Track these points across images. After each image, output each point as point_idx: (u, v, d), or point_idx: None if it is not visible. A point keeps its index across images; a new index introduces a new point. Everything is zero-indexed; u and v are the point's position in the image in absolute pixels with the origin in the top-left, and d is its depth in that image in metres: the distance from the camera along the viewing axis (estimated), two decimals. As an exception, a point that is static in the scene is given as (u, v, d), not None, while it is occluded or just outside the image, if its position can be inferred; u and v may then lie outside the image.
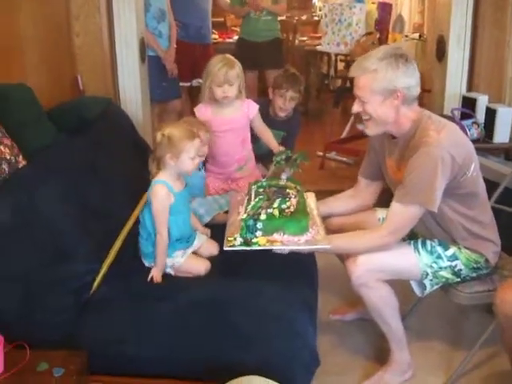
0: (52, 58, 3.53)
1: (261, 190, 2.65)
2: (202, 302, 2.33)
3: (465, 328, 3.08)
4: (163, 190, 2.52)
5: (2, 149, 2.35)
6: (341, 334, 3.05)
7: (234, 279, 2.40)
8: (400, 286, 2.64)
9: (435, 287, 2.58)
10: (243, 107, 3.31)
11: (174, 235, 2.60)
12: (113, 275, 2.50)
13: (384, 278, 2.52)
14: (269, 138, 3.43)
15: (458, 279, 2.55)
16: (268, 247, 2.33)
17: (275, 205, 2.44)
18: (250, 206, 2.48)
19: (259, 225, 2.33)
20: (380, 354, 2.84)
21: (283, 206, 2.43)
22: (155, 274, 2.51)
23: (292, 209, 2.42)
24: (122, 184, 2.94)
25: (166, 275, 2.59)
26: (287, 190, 2.61)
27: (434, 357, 2.87)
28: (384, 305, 2.55)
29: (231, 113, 3.26)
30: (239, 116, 3.29)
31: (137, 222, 2.81)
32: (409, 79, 2.36)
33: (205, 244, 2.77)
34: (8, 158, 2.37)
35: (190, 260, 2.64)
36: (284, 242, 2.34)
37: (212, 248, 2.75)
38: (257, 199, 2.53)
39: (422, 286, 2.58)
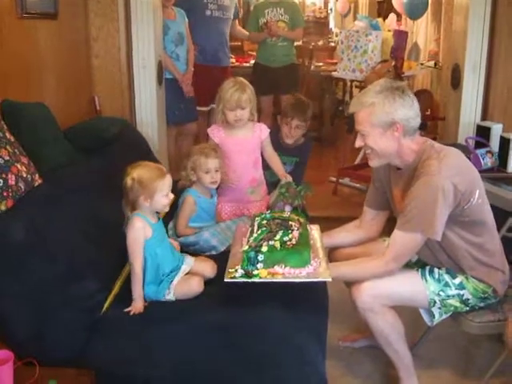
0: (70, 78, 3.59)
1: (264, 222, 2.66)
2: (213, 325, 2.32)
3: (475, 357, 3.05)
4: (139, 222, 2.49)
5: (19, 167, 2.38)
6: (350, 360, 3.04)
7: (245, 304, 2.39)
8: (409, 314, 2.64)
9: (444, 316, 2.57)
10: (255, 129, 3.34)
11: (166, 268, 2.57)
12: (124, 295, 2.50)
13: (389, 304, 2.52)
14: (277, 164, 3.44)
15: (467, 308, 2.54)
16: (269, 280, 2.33)
17: (277, 237, 2.46)
18: (252, 238, 2.49)
19: (260, 257, 2.34)
20: (389, 382, 2.82)
21: (285, 239, 2.45)
22: (135, 307, 2.43)
23: (294, 241, 2.44)
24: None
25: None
26: (290, 223, 2.63)
27: (443, 386, 2.85)
28: (390, 330, 2.55)
29: (243, 134, 3.30)
30: (251, 137, 3.33)
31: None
32: (407, 111, 2.39)
33: (198, 264, 2.71)
34: (24, 176, 2.39)
35: (180, 285, 2.56)
36: (285, 275, 2.34)
37: (206, 269, 2.69)
38: (259, 231, 2.55)
39: (431, 315, 2.57)
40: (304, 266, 2.36)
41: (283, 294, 2.39)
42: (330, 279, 2.34)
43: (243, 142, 3.30)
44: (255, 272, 2.34)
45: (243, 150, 3.30)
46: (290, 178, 3.25)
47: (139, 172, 2.48)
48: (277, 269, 2.34)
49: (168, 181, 2.54)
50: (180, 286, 2.55)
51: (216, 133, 3.31)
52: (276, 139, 3.75)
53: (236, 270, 2.37)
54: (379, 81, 2.54)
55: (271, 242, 2.41)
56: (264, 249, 2.36)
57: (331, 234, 2.91)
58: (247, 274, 2.34)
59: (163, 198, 2.51)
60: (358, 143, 2.52)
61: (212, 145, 3.22)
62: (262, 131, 3.36)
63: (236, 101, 3.15)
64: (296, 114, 3.84)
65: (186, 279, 2.58)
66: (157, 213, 2.62)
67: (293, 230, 2.54)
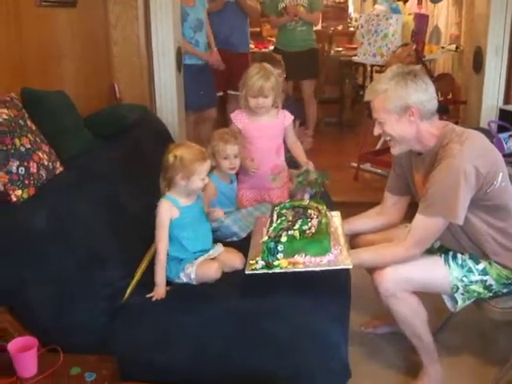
0: (90, 66, 3.60)
1: (283, 211, 2.67)
2: (234, 312, 2.33)
3: (498, 343, 3.02)
4: (166, 204, 2.54)
5: (41, 155, 2.39)
6: (372, 346, 3.03)
7: (266, 291, 2.39)
8: (432, 300, 2.62)
9: (467, 302, 2.55)
10: (279, 116, 3.32)
11: (188, 248, 2.60)
12: (146, 283, 2.52)
13: (412, 290, 2.51)
14: (299, 151, 3.42)
15: (490, 294, 2.52)
16: (290, 269, 2.33)
17: (296, 226, 2.46)
18: (271, 228, 2.50)
19: (280, 247, 2.35)
20: (412, 368, 2.80)
21: (304, 228, 2.45)
22: (157, 292, 2.46)
23: (313, 230, 2.44)
24: (157, 191, 2.96)
25: (193, 286, 2.58)
26: (309, 211, 2.63)
27: (466, 372, 2.83)
28: (413, 316, 2.53)
29: (267, 120, 3.27)
30: (274, 124, 3.30)
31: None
32: (420, 94, 2.37)
33: (227, 255, 2.72)
34: (46, 164, 2.41)
35: (202, 265, 2.59)
36: (306, 264, 2.35)
37: (236, 261, 2.68)
38: (279, 221, 2.55)
39: (454, 301, 2.55)
40: (324, 254, 2.36)
41: (305, 281, 2.39)
42: (350, 266, 2.34)
43: (266, 128, 3.28)
44: (276, 262, 2.35)
45: (266, 136, 3.28)
46: (311, 165, 3.24)
47: (182, 151, 2.53)
48: (297, 258, 2.35)
49: (207, 165, 2.58)
50: (198, 268, 2.57)
51: (239, 118, 3.29)
52: None
53: (257, 262, 2.38)
54: (392, 67, 2.53)
55: (290, 232, 2.41)
56: (283, 239, 2.37)
57: (352, 220, 2.90)
58: (268, 265, 2.35)
59: (199, 180, 2.55)
60: (377, 131, 2.51)
61: (232, 131, 3.20)
62: (286, 118, 3.34)
63: (259, 88, 3.13)
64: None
65: (205, 263, 2.60)
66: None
67: (312, 219, 2.54)
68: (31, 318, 2.17)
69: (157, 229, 2.54)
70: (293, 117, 3.37)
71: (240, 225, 3.01)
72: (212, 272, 2.57)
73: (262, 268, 2.36)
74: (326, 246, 2.37)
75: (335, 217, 2.81)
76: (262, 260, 2.37)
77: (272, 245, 2.35)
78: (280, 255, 2.35)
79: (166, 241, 2.53)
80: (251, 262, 2.41)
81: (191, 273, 2.55)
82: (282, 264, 2.34)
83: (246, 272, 2.38)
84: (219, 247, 2.72)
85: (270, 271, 2.34)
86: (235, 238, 2.98)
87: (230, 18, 5.45)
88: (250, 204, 3.31)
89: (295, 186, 3.12)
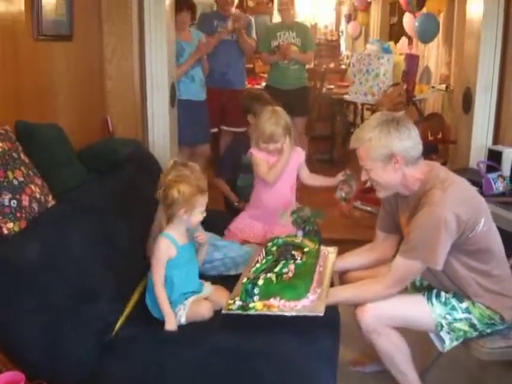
0: (84, 99, 3.62)
1: (273, 248, 2.71)
2: (225, 349, 2.32)
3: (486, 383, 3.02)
4: (164, 243, 2.55)
5: (33, 188, 2.40)
6: (360, 385, 3.02)
7: (256, 328, 2.39)
8: (421, 339, 2.62)
9: (455, 343, 2.55)
10: (293, 153, 3.38)
11: (179, 288, 2.58)
12: (136, 316, 2.51)
13: (394, 326, 2.53)
14: (320, 179, 3.55)
15: (476, 333, 2.53)
16: (264, 312, 2.36)
17: (276, 269, 2.51)
18: (253, 269, 2.56)
19: (256, 290, 2.39)
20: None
21: (284, 271, 2.49)
22: (168, 326, 2.46)
23: (290, 274, 2.47)
24: (148, 226, 2.96)
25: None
26: (293, 252, 2.67)
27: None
28: (395, 351, 2.56)
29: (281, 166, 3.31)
30: (289, 161, 3.36)
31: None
32: (404, 142, 2.42)
33: (216, 294, 2.69)
34: (38, 197, 2.42)
35: (192, 306, 2.57)
36: (280, 308, 2.37)
37: (224, 299, 2.61)
38: (264, 261, 2.61)
39: (441, 340, 2.56)
40: (299, 299, 2.38)
41: (294, 318, 2.39)
42: (321, 314, 2.34)
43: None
44: (251, 305, 2.38)
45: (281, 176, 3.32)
46: (339, 178, 3.30)
47: (183, 186, 2.53)
48: (272, 301, 2.39)
49: (206, 198, 2.60)
50: (191, 307, 2.56)
51: (257, 153, 3.34)
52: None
53: (234, 302, 2.43)
54: (375, 114, 2.61)
55: (268, 275, 2.46)
56: (260, 282, 2.42)
57: (344, 257, 2.93)
58: (243, 307, 2.38)
59: (200, 214, 2.57)
60: (364, 177, 2.57)
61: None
62: (300, 154, 3.42)
63: (269, 135, 3.21)
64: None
65: (197, 302, 2.58)
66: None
67: (296, 260, 2.59)
68: (18, 352, 2.15)
69: (154, 263, 2.53)
70: (305, 152, 3.44)
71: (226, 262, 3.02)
72: (205, 311, 2.55)
73: (238, 309, 2.39)
74: (301, 291, 2.40)
75: (331, 253, 2.86)
76: (240, 301, 2.41)
77: (249, 287, 2.40)
78: (256, 298, 2.38)
79: (162, 274, 2.53)
80: (229, 301, 2.45)
81: (182, 316, 2.53)
82: (257, 306, 2.37)
83: (223, 312, 2.42)
84: (209, 287, 2.72)
85: (245, 313, 2.38)
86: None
87: (226, 54, 5.51)
88: (253, 235, 3.32)
89: (291, 223, 3.14)
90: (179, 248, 2.58)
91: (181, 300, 2.57)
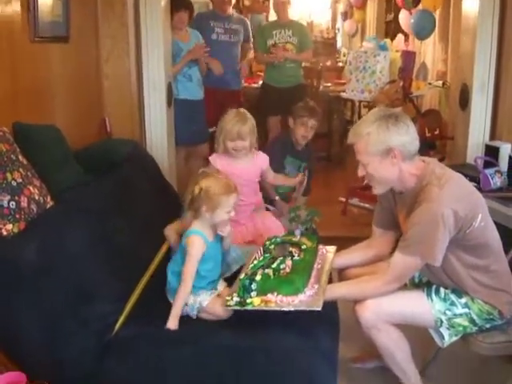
0: (81, 100, 3.62)
1: (271, 246, 2.73)
2: (225, 346, 2.33)
3: (486, 378, 3.03)
4: (200, 242, 2.56)
5: (32, 189, 2.40)
6: (361, 382, 3.02)
7: (256, 325, 2.40)
8: (421, 335, 2.63)
9: (454, 338, 2.56)
10: (255, 160, 3.39)
11: (201, 279, 2.61)
12: (136, 316, 2.51)
13: (393, 322, 2.54)
14: (283, 179, 3.69)
15: (476, 328, 2.54)
16: (262, 308, 2.37)
17: (274, 265, 2.52)
18: (251, 265, 2.57)
19: (254, 285, 2.41)
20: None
21: (281, 266, 2.50)
22: (171, 323, 2.47)
23: (287, 269, 2.49)
24: (146, 225, 2.97)
25: (188, 319, 2.57)
26: (290, 249, 2.68)
27: (455, 407, 2.83)
28: (395, 348, 2.57)
29: (243, 166, 3.32)
30: (251, 166, 3.38)
31: (160, 264, 2.84)
32: (401, 137, 2.43)
33: (224, 291, 2.71)
34: (37, 198, 2.42)
35: (214, 301, 2.60)
36: (278, 303, 2.38)
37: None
38: (261, 258, 2.63)
39: (441, 336, 2.57)
40: (296, 294, 2.39)
41: (293, 315, 2.39)
42: (319, 309, 2.35)
43: (243, 172, 3.31)
44: (248, 300, 2.39)
45: (243, 179, 3.28)
46: (298, 179, 3.58)
47: (208, 183, 2.56)
48: (270, 297, 2.40)
49: (233, 199, 2.60)
50: (213, 305, 2.58)
51: (218, 162, 3.33)
52: (289, 144, 4.15)
53: (232, 298, 2.44)
54: (373, 110, 2.62)
55: (266, 270, 2.49)
56: (258, 277, 2.44)
57: (342, 254, 2.93)
58: (241, 302, 2.40)
59: (224, 214, 2.58)
60: (360, 172, 2.58)
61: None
62: (263, 161, 3.43)
63: (237, 132, 3.21)
64: (312, 115, 4.11)
65: (216, 302, 2.59)
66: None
67: (293, 257, 2.60)
68: (19, 353, 2.16)
69: (189, 263, 2.53)
70: (268, 157, 3.46)
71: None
72: (222, 313, 2.56)
73: (236, 305, 2.41)
74: (298, 286, 2.41)
75: (329, 252, 2.87)
76: (238, 297, 2.42)
77: (247, 282, 2.41)
78: (253, 293, 2.40)
79: (194, 272, 2.54)
80: (227, 297, 2.47)
81: (203, 301, 2.56)
82: (255, 302, 2.38)
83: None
84: (223, 282, 2.75)
85: (243, 308, 2.39)
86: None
87: (224, 55, 5.46)
88: (241, 236, 3.32)
89: (288, 221, 3.15)
90: (209, 244, 2.60)
91: (207, 288, 2.61)
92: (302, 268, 2.51)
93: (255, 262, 2.61)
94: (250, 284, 2.40)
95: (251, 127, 3.26)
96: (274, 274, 2.46)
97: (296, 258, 2.60)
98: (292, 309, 2.36)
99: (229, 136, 3.23)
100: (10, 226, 2.22)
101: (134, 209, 2.98)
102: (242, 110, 3.37)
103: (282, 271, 2.48)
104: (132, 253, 2.69)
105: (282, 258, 2.58)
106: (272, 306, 2.37)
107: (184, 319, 2.53)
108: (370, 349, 2.92)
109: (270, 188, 3.86)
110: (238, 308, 2.40)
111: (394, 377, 2.67)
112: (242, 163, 3.31)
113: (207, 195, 2.53)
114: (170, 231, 2.96)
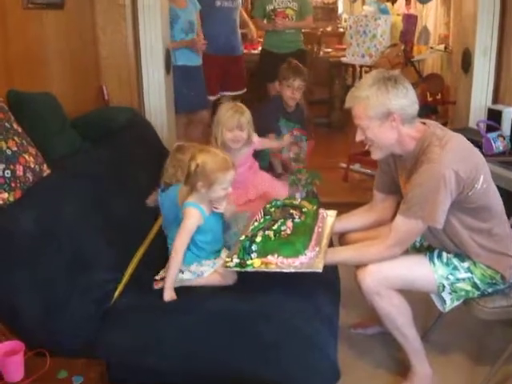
0: (77, 67, 3.58)
1: (272, 209, 2.70)
2: (224, 312, 2.32)
3: (488, 343, 3.03)
4: (196, 214, 2.53)
5: (27, 157, 2.38)
6: (362, 347, 3.03)
7: (255, 291, 2.39)
8: (422, 300, 2.62)
9: (456, 303, 2.55)
10: (250, 150, 3.41)
11: (201, 250, 2.60)
12: (134, 285, 2.51)
13: (395, 288, 2.52)
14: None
15: (478, 292, 2.52)
16: (262, 269, 2.36)
17: (275, 227, 2.50)
18: (251, 227, 2.55)
19: (254, 247, 2.38)
20: (402, 368, 2.80)
21: (282, 228, 2.48)
22: (166, 295, 2.45)
23: (288, 231, 2.46)
24: (145, 194, 2.95)
25: (187, 288, 2.55)
26: (291, 211, 2.65)
27: (456, 372, 2.83)
28: (397, 313, 2.55)
29: (239, 160, 3.23)
30: (247, 154, 3.40)
31: (159, 233, 2.82)
32: (401, 100, 2.38)
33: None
34: (32, 166, 2.39)
35: (215, 274, 2.59)
36: (278, 264, 2.36)
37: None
38: (262, 220, 2.60)
39: (442, 300, 2.55)
40: (297, 256, 2.37)
41: (294, 281, 2.40)
42: (320, 270, 2.34)
43: (240, 161, 3.26)
44: (249, 262, 2.38)
45: (241, 168, 3.26)
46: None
47: (204, 159, 2.50)
48: (270, 258, 2.38)
49: (230, 176, 2.54)
50: (213, 276, 2.57)
51: None
52: (281, 106, 4.12)
53: (231, 260, 2.42)
54: (371, 72, 2.56)
55: (266, 232, 2.46)
56: (258, 239, 2.42)
57: (342, 218, 2.91)
58: (241, 264, 2.38)
59: (220, 190, 2.53)
60: (359, 137, 2.52)
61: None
62: (255, 143, 3.43)
63: (237, 120, 3.19)
64: (297, 75, 4.07)
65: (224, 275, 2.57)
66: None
67: (294, 219, 2.56)
68: (18, 322, 2.14)
69: (182, 233, 2.51)
70: (256, 137, 3.45)
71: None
72: (228, 280, 2.55)
73: (236, 266, 2.40)
74: (299, 247, 2.38)
75: (330, 216, 2.84)
76: (238, 258, 2.40)
77: (247, 244, 2.39)
78: (254, 255, 2.38)
79: (186, 243, 2.52)
80: (227, 259, 2.45)
81: (205, 272, 2.56)
82: (255, 263, 2.37)
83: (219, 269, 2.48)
84: (226, 251, 2.71)
85: (243, 270, 2.38)
86: None
87: (229, 21, 5.46)
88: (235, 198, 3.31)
89: (289, 185, 3.14)
90: (206, 218, 2.56)
91: (209, 257, 2.61)
92: (302, 230, 2.48)
93: (255, 223, 2.58)
94: (251, 245, 2.38)
95: (249, 118, 3.25)
96: (274, 236, 2.43)
97: (297, 220, 2.57)
98: (292, 270, 2.34)
99: (227, 125, 3.21)
100: (5, 195, 2.20)
101: (132, 177, 2.97)
102: (239, 103, 3.38)
103: (282, 233, 2.45)
104: (130, 221, 2.68)
105: (282, 220, 2.55)
106: (272, 268, 2.36)
107: (183, 289, 2.52)
108: (371, 315, 2.92)
109: (277, 164, 3.90)
110: (237, 269, 2.39)
111: (395, 342, 2.66)
112: (238, 156, 3.25)
113: (203, 171, 2.48)
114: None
